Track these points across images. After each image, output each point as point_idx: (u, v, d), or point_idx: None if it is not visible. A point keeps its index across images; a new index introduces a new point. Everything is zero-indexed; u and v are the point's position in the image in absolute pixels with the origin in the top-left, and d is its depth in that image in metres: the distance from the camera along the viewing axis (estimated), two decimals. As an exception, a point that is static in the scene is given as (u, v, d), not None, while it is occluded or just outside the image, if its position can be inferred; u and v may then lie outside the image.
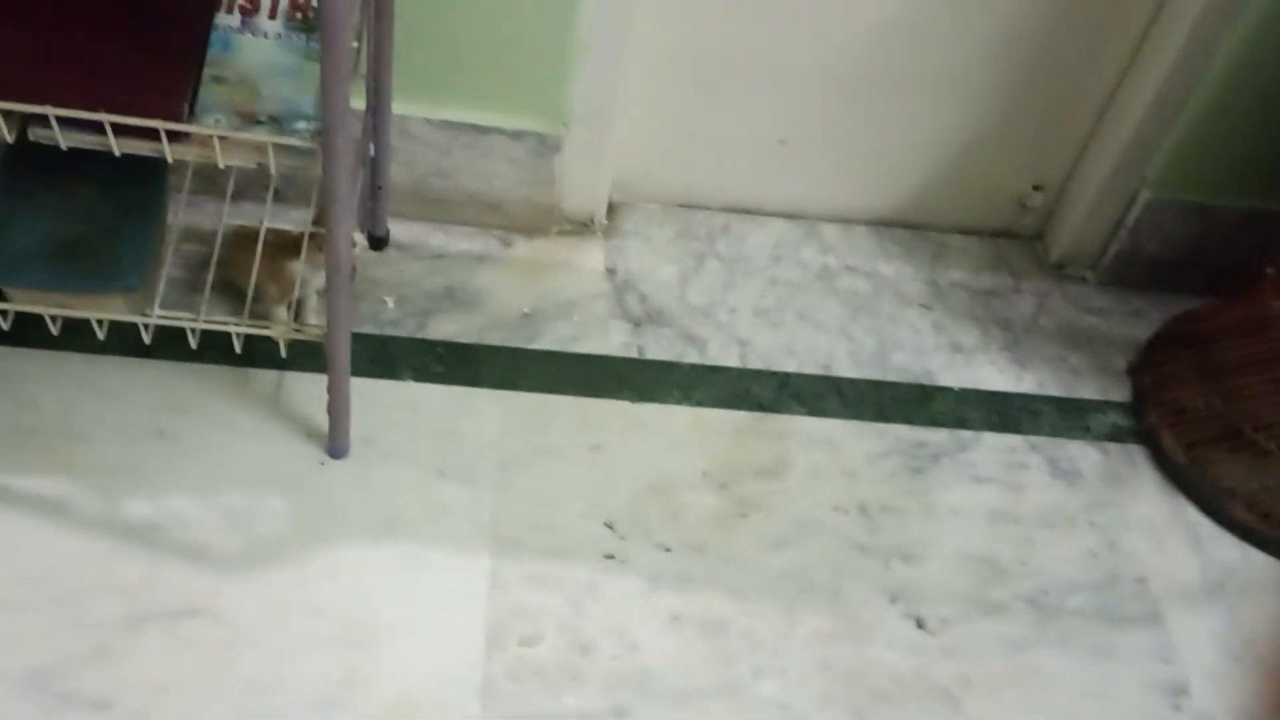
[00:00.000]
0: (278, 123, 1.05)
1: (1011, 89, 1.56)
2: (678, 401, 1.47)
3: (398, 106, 1.40)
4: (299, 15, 1.10)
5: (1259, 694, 1.32)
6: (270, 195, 1.43)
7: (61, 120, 1.02)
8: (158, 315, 1.22)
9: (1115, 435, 1.53)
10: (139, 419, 1.33)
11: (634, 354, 1.50)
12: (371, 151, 1.40)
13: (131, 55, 1.04)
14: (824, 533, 1.37)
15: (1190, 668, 1.33)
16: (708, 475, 1.40)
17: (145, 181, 1.23)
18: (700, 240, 1.65)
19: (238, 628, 1.20)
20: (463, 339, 1.47)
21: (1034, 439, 1.50)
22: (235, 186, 1.43)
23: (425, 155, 1.51)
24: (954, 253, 1.71)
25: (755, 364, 1.52)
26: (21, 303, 1.20)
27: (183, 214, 1.37)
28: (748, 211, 1.70)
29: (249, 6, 1.10)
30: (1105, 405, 1.56)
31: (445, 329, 1.48)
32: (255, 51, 1.08)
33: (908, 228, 1.72)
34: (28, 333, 1.30)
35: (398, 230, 1.55)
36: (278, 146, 1.06)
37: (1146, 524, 1.45)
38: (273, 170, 1.07)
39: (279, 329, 1.29)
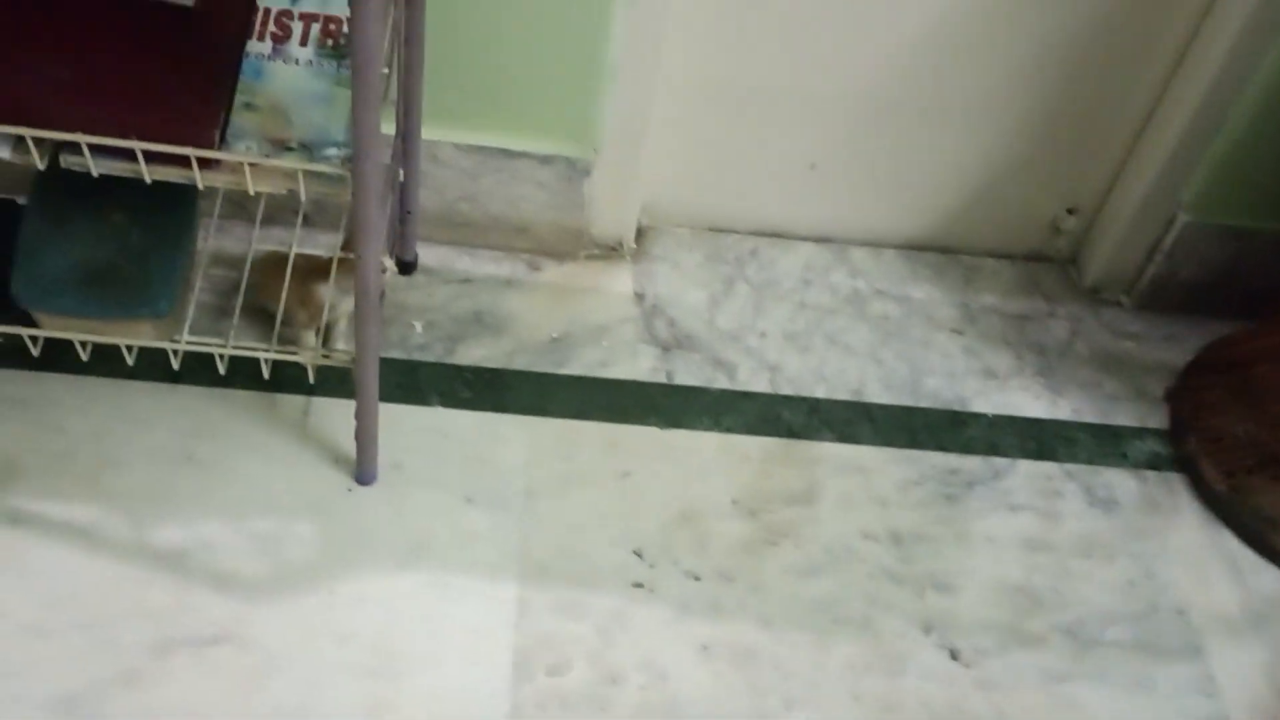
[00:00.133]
0: (308, 149, 1.05)
1: (1044, 111, 1.55)
2: (707, 427, 1.45)
3: (427, 132, 1.40)
4: (330, 42, 1.10)
5: (1303, 729, 1.29)
6: (300, 219, 1.44)
7: (93, 147, 1.02)
8: (187, 341, 1.23)
9: (1153, 463, 1.50)
10: (168, 444, 1.33)
11: (663, 379, 1.49)
12: (401, 177, 1.40)
13: (163, 82, 1.04)
14: (856, 561, 1.36)
15: (1232, 702, 1.30)
16: (737, 502, 1.39)
17: (175, 207, 1.23)
18: (729, 264, 1.64)
19: (265, 654, 1.19)
20: (491, 364, 1.47)
21: (1070, 466, 1.48)
22: (265, 211, 1.43)
23: (454, 180, 1.51)
24: (985, 276, 1.69)
25: (785, 389, 1.51)
26: (51, 328, 1.21)
27: (212, 238, 1.37)
28: (777, 235, 1.68)
29: (280, 33, 1.10)
30: (1142, 432, 1.53)
31: (473, 354, 1.47)
32: (286, 78, 1.08)
33: (938, 251, 1.71)
34: (57, 358, 1.30)
35: (426, 254, 1.55)
36: (308, 173, 1.06)
37: (1186, 554, 1.42)
38: (303, 197, 1.07)
39: (308, 355, 1.29)
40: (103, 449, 1.31)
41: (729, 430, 1.45)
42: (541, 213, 1.55)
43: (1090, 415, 1.54)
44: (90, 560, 1.23)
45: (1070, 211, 1.67)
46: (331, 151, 1.06)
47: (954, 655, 1.30)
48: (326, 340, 1.39)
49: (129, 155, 1.03)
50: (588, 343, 1.51)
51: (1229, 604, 1.39)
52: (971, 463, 1.47)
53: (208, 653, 1.18)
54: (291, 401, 1.38)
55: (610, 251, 1.62)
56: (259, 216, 1.42)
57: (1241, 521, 1.44)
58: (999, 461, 1.47)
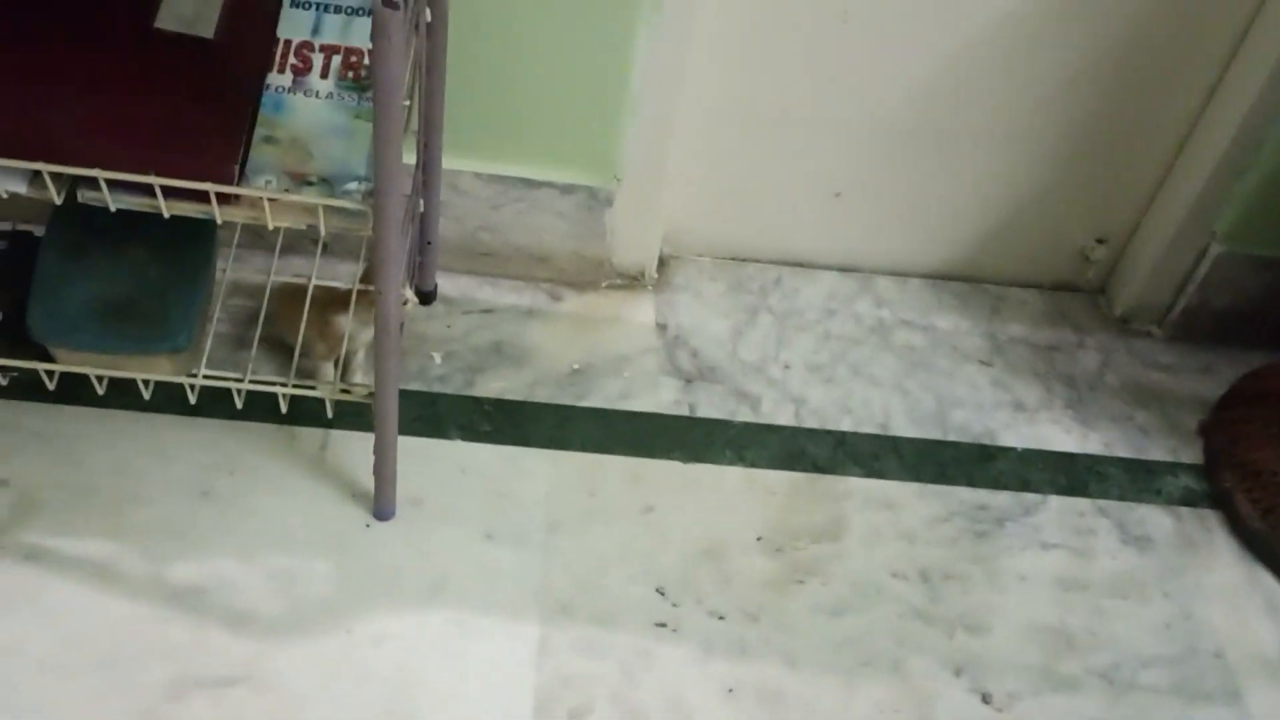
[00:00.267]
0: (329, 184, 1.04)
1: (1074, 138, 1.52)
2: (730, 461, 1.43)
3: (448, 161, 1.39)
4: (350, 75, 1.09)
5: (1347, 776, 1.26)
6: (319, 250, 1.42)
7: (110, 182, 1.01)
8: (204, 375, 1.21)
9: (1188, 499, 1.47)
10: (185, 478, 1.31)
11: (685, 411, 1.47)
12: (421, 207, 1.38)
13: (182, 116, 1.03)
14: (884, 600, 1.33)
15: (1272, 747, 1.27)
16: (762, 539, 1.36)
17: (193, 241, 1.22)
18: (752, 294, 1.62)
19: (283, 696, 1.17)
20: (511, 395, 1.44)
21: (1102, 503, 1.45)
22: (284, 240, 1.42)
23: (475, 210, 1.49)
24: (1013, 306, 1.66)
25: (810, 422, 1.48)
26: (69, 363, 1.19)
27: (231, 268, 1.36)
28: (800, 264, 1.66)
29: (301, 66, 1.09)
30: (1176, 467, 1.50)
31: (494, 385, 1.45)
32: (307, 112, 1.07)
33: (965, 280, 1.68)
34: (74, 391, 1.28)
35: (445, 284, 1.54)
36: (328, 208, 1.04)
37: (1223, 593, 1.39)
38: (322, 231, 1.05)
39: (326, 389, 1.27)
40: (119, 483, 1.29)
41: (753, 464, 1.43)
42: (563, 242, 1.53)
43: (1122, 449, 1.51)
44: (107, 597, 1.21)
45: (1100, 241, 1.64)
46: (352, 186, 1.04)
47: (985, 699, 1.26)
48: (345, 372, 1.38)
49: (147, 190, 1.01)
50: (609, 374, 1.49)
51: (1267, 644, 1.35)
52: (1001, 498, 1.44)
53: (225, 695, 1.16)
54: (309, 434, 1.37)
55: (632, 281, 1.60)
56: (278, 246, 1.40)
57: (1279, 560, 1.41)
58: (1029, 497, 1.44)
